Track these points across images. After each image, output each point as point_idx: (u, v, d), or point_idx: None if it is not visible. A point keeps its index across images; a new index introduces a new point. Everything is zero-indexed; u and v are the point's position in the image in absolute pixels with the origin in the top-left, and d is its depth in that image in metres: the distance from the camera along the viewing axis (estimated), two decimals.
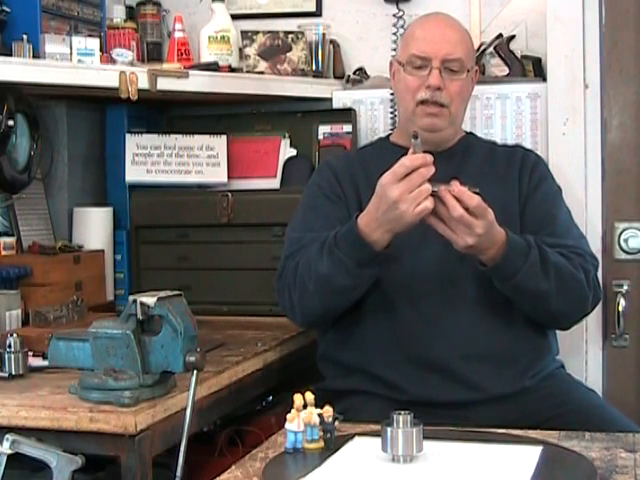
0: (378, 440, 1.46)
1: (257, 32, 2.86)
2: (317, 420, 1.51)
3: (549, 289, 1.92)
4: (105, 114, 2.91)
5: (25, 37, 2.26)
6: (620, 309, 2.60)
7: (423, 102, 2.05)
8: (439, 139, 2.10)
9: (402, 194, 1.76)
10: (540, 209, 2.09)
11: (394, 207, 1.78)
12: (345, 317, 2.04)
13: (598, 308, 2.57)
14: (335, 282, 1.91)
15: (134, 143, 2.84)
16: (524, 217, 2.07)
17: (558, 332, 2.15)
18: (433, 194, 1.78)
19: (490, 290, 1.97)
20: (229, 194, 2.72)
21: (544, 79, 2.67)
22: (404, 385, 1.97)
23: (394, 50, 2.76)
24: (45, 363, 1.93)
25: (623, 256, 2.64)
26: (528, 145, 2.60)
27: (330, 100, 2.85)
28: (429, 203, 1.77)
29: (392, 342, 2.00)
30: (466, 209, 1.78)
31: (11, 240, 2.61)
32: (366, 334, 2.03)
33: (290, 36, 2.85)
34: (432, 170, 1.77)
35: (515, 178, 2.12)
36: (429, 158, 1.77)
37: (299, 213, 2.15)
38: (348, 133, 2.81)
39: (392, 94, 2.72)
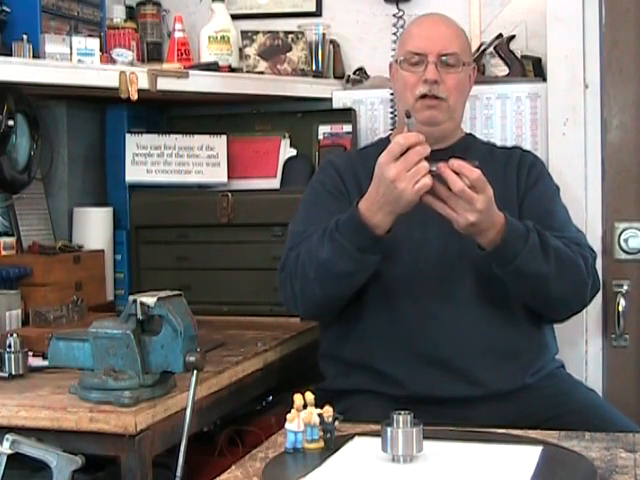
0: (378, 440, 1.46)
1: (257, 32, 2.86)
2: (317, 420, 1.51)
3: (549, 272, 1.91)
4: (105, 114, 2.91)
5: (25, 37, 2.26)
6: (620, 309, 2.60)
7: (422, 97, 2.07)
8: (439, 133, 2.11)
9: (400, 173, 1.76)
10: (538, 205, 2.09)
11: (392, 187, 1.77)
12: (346, 313, 2.04)
13: (598, 308, 2.58)
14: (336, 268, 1.91)
15: (134, 143, 2.84)
16: (522, 214, 2.07)
17: (557, 332, 2.15)
18: (431, 173, 1.77)
19: (490, 286, 1.97)
20: (229, 194, 2.72)
21: (544, 79, 2.67)
22: (405, 380, 1.97)
23: (394, 50, 2.76)
24: (45, 363, 1.93)
25: (623, 256, 2.64)
26: (528, 145, 2.60)
27: (330, 100, 2.85)
28: (428, 180, 1.76)
29: (393, 338, 2.00)
30: (466, 185, 1.78)
31: (11, 240, 2.61)
32: (367, 330, 2.03)
33: (290, 36, 2.86)
34: (428, 148, 1.76)
35: (513, 177, 2.12)
36: (422, 137, 1.77)
37: (301, 209, 2.15)
38: (348, 133, 2.81)
39: (392, 94, 2.72)
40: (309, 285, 1.97)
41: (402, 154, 1.76)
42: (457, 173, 1.77)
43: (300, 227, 2.08)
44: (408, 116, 1.81)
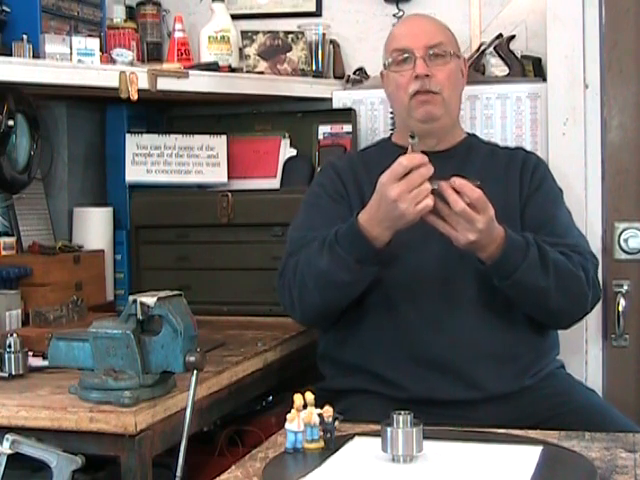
0: (378, 440, 1.46)
1: (257, 32, 2.86)
2: (317, 420, 1.51)
3: (548, 286, 1.92)
4: (105, 114, 2.91)
5: (25, 37, 2.26)
6: (620, 309, 2.60)
7: (415, 94, 2.06)
8: (437, 129, 2.11)
9: (401, 194, 1.76)
10: (540, 209, 2.09)
11: (394, 206, 1.78)
12: (346, 316, 2.04)
13: (598, 308, 2.57)
14: (334, 278, 1.91)
15: (134, 143, 2.84)
16: (524, 217, 2.08)
17: (557, 332, 2.15)
18: (433, 191, 1.77)
19: (491, 290, 1.97)
20: (229, 194, 2.72)
21: (544, 79, 2.67)
22: (405, 383, 1.97)
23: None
24: (45, 363, 1.93)
25: (623, 256, 2.64)
26: (528, 145, 2.60)
27: (330, 100, 2.85)
28: (429, 201, 1.77)
29: (393, 341, 2.00)
30: (467, 204, 1.78)
31: (11, 240, 2.61)
32: (367, 333, 2.03)
33: (290, 36, 2.86)
34: (431, 169, 1.77)
35: (516, 180, 2.12)
36: (426, 158, 1.77)
37: (301, 212, 2.15)
38: (348, 133, 2.81)
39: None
40: (307, 294, 1.97)
41: (405, 174, 1.76)
42: (458, 192, 1.77)
43: (299, 232, 2.08)
44: (412, 137, 1.80)
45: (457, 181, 1.78)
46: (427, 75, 2.05)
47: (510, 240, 1.87)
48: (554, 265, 1.93)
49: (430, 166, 1.77)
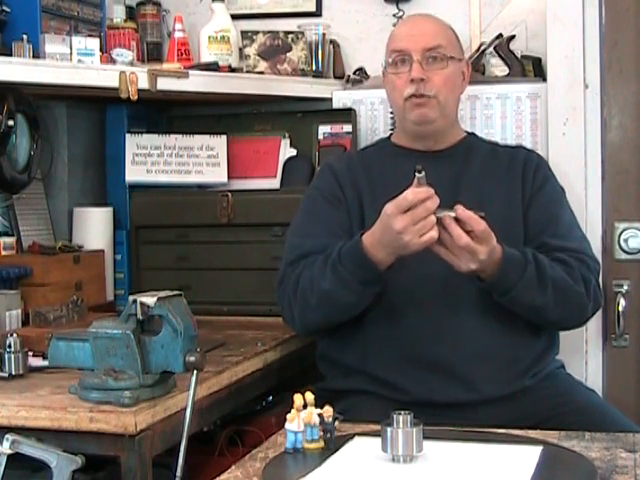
0: (378, 440, 1.46)
1: (257, 32, 2.86)
2: (317, 420, 1.51)
3: (546, 302, 1.94)
4: (105, 114, 2.91)
5: (25, 37, 2.26)
6: (620, 309, 2.60)
7: (410, 97, 2.06)
8: (432, 131, 2.10)
9: (406, 226, 1.77)
10: (544, 210, 2.09)
11: (398, 237, 1.79)
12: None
13: None
14: (338, 298, 1.93)
15: (134, 143, 2.84)
16: (527, 218, 2.07)
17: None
18: (437, 221, 1.78)
19: (491, 293, 1.97)
20: (229, 194, 2.72)
21: (544, 79, 2.67)
22: (405, 386, 1.97)
23: None
24: (45, 363, 1.93)
25: (623, 256, 2.63)
26: (528, 145, 2.60)
27: (330, 100, 2.85)
28: (434, 233, 1.78)
29: (394, 344, 2.00)
30: (468, 232, 1.79)
31: (11, 240, 2.61)
32: (368, 336, 2.03)
33: (290, 36, 2.86)
34: (437, 202, 1.77)
35: (518, 179, 2.12)
36: (432, 191, 1.78)
37: (299, 217, 2.14)
38: (348, 133, 2.81)
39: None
40: (310, 312, 1.99)
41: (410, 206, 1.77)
42: (459, 220, 1.78)
43: (298, 239, 2.08)
44: (419, 171, 1.80)
45: (462, 213, 1.79)
46: (422, 79, 2.04)
47: (508, 259, 1.89)
48: (552, 282, 1.94)
49: (436, 198, 1.77)
